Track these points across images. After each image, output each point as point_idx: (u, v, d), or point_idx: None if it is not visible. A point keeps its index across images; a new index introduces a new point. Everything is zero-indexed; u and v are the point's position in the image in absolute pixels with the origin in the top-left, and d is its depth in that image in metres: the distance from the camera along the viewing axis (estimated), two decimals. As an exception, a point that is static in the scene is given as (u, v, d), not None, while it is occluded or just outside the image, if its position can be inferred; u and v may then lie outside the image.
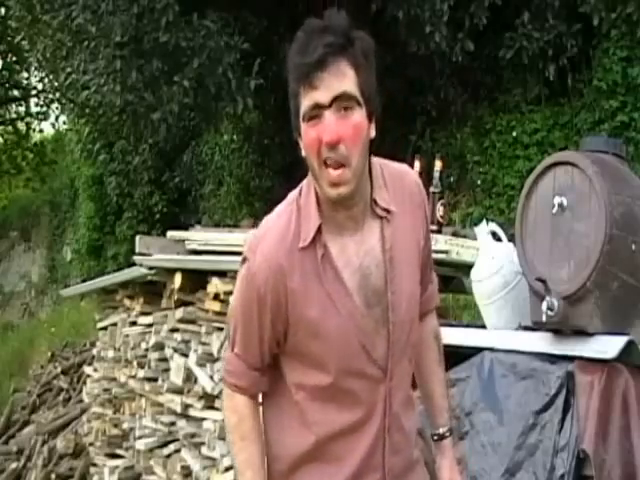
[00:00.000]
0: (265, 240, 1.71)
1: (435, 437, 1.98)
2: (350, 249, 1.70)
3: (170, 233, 5.30)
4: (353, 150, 1.60)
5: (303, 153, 1.66)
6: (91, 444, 6.06)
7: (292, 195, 1.76)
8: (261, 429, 1.81)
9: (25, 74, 17.08)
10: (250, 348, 1.77)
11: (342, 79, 1.58)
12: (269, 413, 1.83)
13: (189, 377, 4.49)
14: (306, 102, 1.59)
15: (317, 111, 1.59)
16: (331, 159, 1.60)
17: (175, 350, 4.66)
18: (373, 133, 1.66)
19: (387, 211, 1.73)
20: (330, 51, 1.57)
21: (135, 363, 5.21)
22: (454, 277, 3.56)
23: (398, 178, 1.80)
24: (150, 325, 5.06)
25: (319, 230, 1.68)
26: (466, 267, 3.16)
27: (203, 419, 4.36)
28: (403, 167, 1.85)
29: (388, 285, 1.72)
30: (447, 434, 1.97)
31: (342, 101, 1.59)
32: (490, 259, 2.85)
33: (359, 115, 1.61)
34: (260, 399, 1.85)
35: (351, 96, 1.59)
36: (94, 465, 6.01)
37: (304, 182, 1.75)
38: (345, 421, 1.74)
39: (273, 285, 1.68)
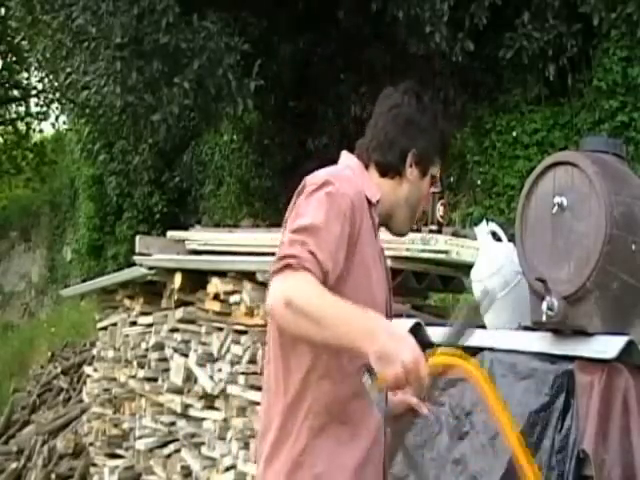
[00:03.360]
0: (343, 175, 1.88)
1: None
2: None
3: (170, 233, 5.30)
4: None
5: (409, 176, 1.97)
6: (91, 444, 6.06)
7: (341, 166, 1.97)
8: None
9: (25, 74, 17.08)
10: (328, 249, 1.71)
11: None
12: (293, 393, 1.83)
13: (189, 377, 4.50)
14: (434, 170, 2.01)
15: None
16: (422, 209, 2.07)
17: (175, 350, 4.67)
18: None
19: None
20: None
21: (135, 363, 5.22)
22: (454, 277, 3.56)
23: None
24: (150, 325, 5.06)
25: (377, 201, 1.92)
26: (466, 267, 3.16)
27: (203, 419, 4.37)
28: None
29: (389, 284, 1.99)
30: None
31: None
32: (490, 259, 2.85)
33: None
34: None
35: None
36: (94, 465, 6.01)
37: (348, 164, 1.97)
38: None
39: (358, 212, 1.82)
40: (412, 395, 1.96)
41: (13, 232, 16.54)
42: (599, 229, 2.39)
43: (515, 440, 1.79)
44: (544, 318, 2.46)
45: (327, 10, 7.03)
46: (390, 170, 1.94)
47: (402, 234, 2.04)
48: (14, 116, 17.97)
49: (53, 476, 6.81)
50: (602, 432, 2.29)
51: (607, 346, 2.38)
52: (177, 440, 4.66)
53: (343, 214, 1.76)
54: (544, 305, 2.44)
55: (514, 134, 6.68)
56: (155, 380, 4.94)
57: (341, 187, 1.80)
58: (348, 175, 1.89)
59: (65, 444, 6.89)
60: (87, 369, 6.69)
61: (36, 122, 17.41)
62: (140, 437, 5.08)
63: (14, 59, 16.56)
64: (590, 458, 2.26)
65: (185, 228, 5.86)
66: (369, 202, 1.88)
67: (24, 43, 13.15)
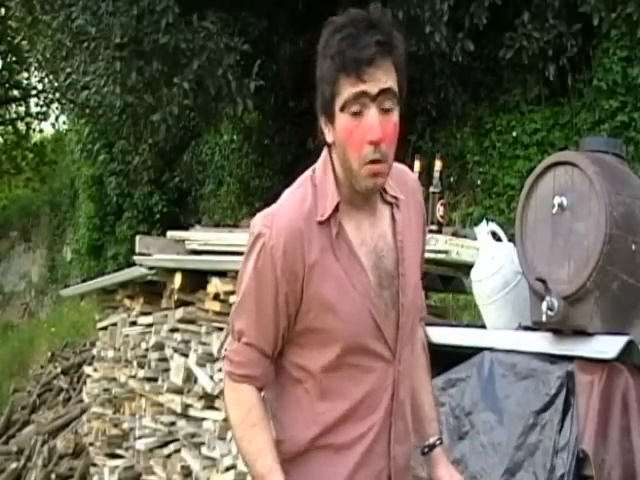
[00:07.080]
0: (280, 213, 1.73)
1: (426, 449, 1.94)
2: (365, 231, 1.75)
3: (170, 233, 5.30)
4: (391, 148, 1.68)
5: (330, 139, 1.70)
6: (91, 444, 6.06)
7: (305, 174, 1.79)
8: (269, 418, 1.78)
9: (25, 74, 17.11)
10: (264, 334, 1.73)
11: (388, 76, 1.64)
12: (273, 406, 1.81)
13: (189, 377, 4.49)
14: (350, 90, 1.62)
15: (361, 101, 1.63)
16: (373, 157, 1.65)
17: (175, 350, 4.67)
18: None
19: (396, 198, 1.80)
20: (381, 50, 1.62)
21: (135, 363, 5.21)
22: (454, 277, 3.56)
23: (401, 174, 1.87)
24: (150, 325, 5.06)
25: (336, 208, 1.71)
26: (466, 267, 3.16)
27: (203, 419, 4.37)
28: (403, 165, 1.92)
29: (399, 267, 1.76)
30: (438, 443, 1.94)
31: (386, 98, 1.63)
32: (490, 259, 2.85)
33: (396, 115, 1.67)
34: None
35: (394, 93, 1.65)
36: (94, 465, 6.01)
37: (319, 162, 1.78)
38: (354, 403, 1.73)
39: (292, 256, 1.67)
40: None
41: (13, 232, 16.54)
42: (599, 229, 2.39)
43: None
44: (544, 318, 2.45)
45: (327, 10, 7.01)
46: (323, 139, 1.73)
47: (363, 188, 1.69)
48: (14, 116, 18.00)
49: (53, 476, 6.80)
50: (602, 432, 2.29)
51: (607, 346, 2.38)
52: (177, 440, 4.66)
53: (274, 279, 1.68)
54: (544, 305, 2.44)
55: (514, 134, 6.68)
56: (155, 380, 4.94)
57: (272, 235, 1.68)
58: (292, 202, 1.73)
59: (65, 444, 6.89)
60: (87, 369, 6.69)
61: (36, 122, 17.46)
62: (140, 437, 5.08)
63: (14, 59, 16.59)
64: (590, 458, 2.26)
65: (185, 228, 5.85)
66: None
67: (24, 43, 13.15)
